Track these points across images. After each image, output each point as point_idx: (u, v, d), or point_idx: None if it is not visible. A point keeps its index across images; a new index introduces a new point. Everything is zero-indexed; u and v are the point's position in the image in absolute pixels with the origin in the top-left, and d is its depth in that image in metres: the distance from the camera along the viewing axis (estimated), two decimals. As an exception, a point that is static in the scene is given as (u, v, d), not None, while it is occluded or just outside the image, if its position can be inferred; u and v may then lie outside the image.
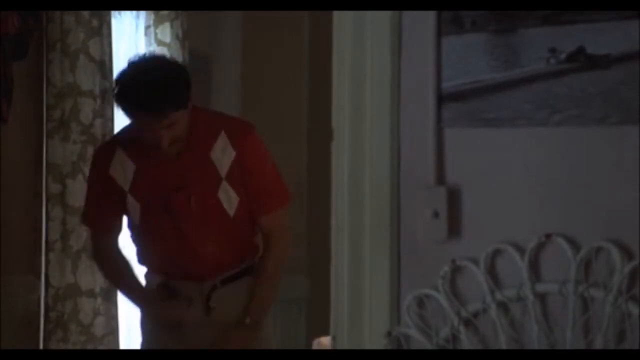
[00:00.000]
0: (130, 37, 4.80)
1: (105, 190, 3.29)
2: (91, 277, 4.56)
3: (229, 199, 3.23)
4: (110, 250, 3.39)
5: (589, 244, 2.84)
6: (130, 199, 3.25)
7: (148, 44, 4.74)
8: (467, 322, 2.99)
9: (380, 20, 3.11)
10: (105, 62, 4.58)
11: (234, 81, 4.78)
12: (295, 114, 4.75)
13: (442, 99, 3.04)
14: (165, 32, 4.68)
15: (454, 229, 3.02)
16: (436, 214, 3.02)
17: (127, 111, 3.20)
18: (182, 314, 3.24)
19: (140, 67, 3.22)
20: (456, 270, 3.02)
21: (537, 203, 2.92)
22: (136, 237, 3.38)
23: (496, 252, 2.97)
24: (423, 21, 3.06)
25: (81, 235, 4.57)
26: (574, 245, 2.87)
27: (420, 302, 3.06)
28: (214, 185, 3.22)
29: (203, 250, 3.24)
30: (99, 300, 4.60)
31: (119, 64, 4.74)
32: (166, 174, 3.24)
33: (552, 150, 2.91)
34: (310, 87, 4.72)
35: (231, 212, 3.26)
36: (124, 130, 3.52)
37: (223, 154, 3.22)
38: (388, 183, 3.10)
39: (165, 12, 4.73)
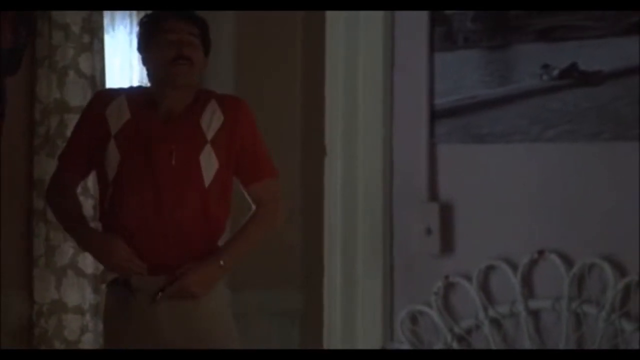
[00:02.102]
0: (124, 53, 4.78)
1: (93, 131, 3.21)
2: (77, 293, 4.52)
3: (209, 164, 3.13)
4: (73, 188, 3.35)
5: (582, 260, 2.84)
6: (112, 146, 3.16)
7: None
8: (460, 339, 2.99)
9: (373, 36, 3.11)
10: (96, 78, 4.56)
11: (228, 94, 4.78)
12: (289, 129, 4.74)
13: (435, 114, 3.05)
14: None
15: (447, 245, 3.02)
16: (429, 230, 3.02)
17: (156, 23, 3.17)
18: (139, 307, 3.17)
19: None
20: (449, 286, 3.01)
21: (530, 219, 2.93)
22: (106, 197, 3.22)
23: (489, 268, 2.97)
24: (416, 37, 3.07)
25: (66, 252, 4.55)
26: (567, 261, 2.87)
27: (414, 318, 3.06)
28: (198, 146, 3.13)
29: (176, 214, 3.18)
30: (87, 316, 4.57)
31: (112, 80, 4.73)
32: (154, 131, 3.15)
33: (546, 165, 2.92)
34: (303, 103, 4.72)
35: (207, 180, 3.14)
36: (132, 87, 3.53)
37: (211, 119, 3.15)
38: (381, 199, 3.10)
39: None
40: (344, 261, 3.14)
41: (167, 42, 3.14)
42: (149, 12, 3.35)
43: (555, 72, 2.90)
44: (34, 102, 4.47)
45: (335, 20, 3.17)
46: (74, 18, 4.42)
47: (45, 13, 4.38)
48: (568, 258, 2.87)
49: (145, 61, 3.26)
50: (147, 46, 3.20)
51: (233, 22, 4.76)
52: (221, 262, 3.10)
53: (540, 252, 2.89)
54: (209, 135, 3.12)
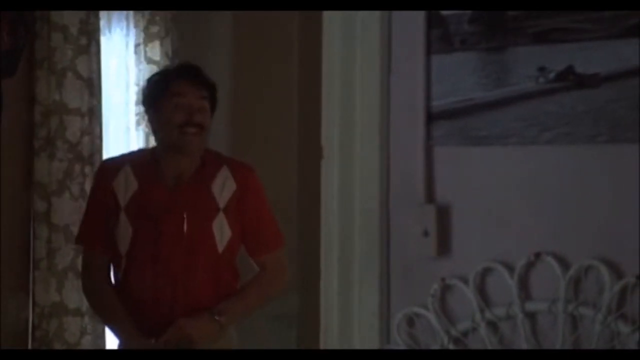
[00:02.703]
0: (120, 55, 4.79)
1: (103, 205, 3.22)
2: (77, 295, 4.54)
3: (222, 232, 3.16)
4: (104, 274, 3.32)
5: (578, 262, 2.84)
6: (123, 218, 3.17)
7: (138, 62, 4.73)
8: (457, 341, 2.99)
9: (369, 39, 3.11)
10: (93, 80, 4.57)
11: (224, 99, 4.78)
12: (286, 131, 4.75)
13: (431, 117, 3.04)
14: (155, 50, 4.68)
15: (444, 247, 3.02)
16: (426, 233, 3.02)
17: (165, 84, 3.15)
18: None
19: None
20: (446, 288, 3.01)
21: (526, 221, 2.92)
22: (120, 270, 3.25)
23: (486, 271, 2.97)
24: (412, 40, 3.07)
25: (67, 254, 4.56)
26: (564, 263, 2.87)
27: (410, 321, 3.06)
28: (211, 215, 3.16)
29: (189, 282, 3.16)
30: (86, 318, 4.57)
31: (108, 82, 4.74)
32: (165, 199, 3.17)
33: (542, 168, 2.92)
34: (300, 105, 4.72)
35: (220, 247, 3.18)
36: (135, 152, 3.53)
37: (223, 187, 3.17)
38: (378, 201, 3.10)
39: (155, 30, 4.73)
40: (340, 264, 3.14)
41: (177, 106, 3.12)
42: (156, 71, 3.37)
43: (552, 75, 2.90)
44: (34, 104, 4.48)
45: (332, 23, 3.17)
46: (71, 19, 4.44)
47: (44, 14, 4.40)
48: (564, 260, 2.87)
49: (152, 121, 3.23)
50: (155, 107, 3.18)
51: (229, 24, 4.77)
52: (216, 318, 3.13)
53: (537, 255, 2.89)
54: (221, 203, 3.14)
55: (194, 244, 3.14)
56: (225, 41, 4.80)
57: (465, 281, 2.98)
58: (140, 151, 3.63)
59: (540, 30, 2.92)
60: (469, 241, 3.00)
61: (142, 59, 4.67)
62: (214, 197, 3.15)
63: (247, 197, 3.18)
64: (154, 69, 4.58)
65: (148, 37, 4.73)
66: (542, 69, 2.92)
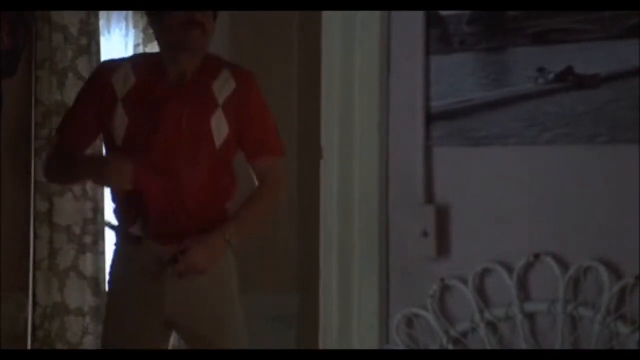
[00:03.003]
0: (120, 56, 4.79)
1: (98, 99, 3.18)
2: (79, 295, 4.54)
3: (219, 128, 3.13)
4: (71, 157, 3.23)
5: (577, 263, 2.84)
6: (119, 110, 3.16)
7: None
8: (456, 342, 2.99)
9: (369, 39, 3.11)
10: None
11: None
12: (285, 131, 4.75)
13: (431, 117, 3.05)
14: (155, 50, 4.67)
15: (443, 247, 3.02)
16: (425, 233, 3.02)
17: None
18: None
19: None
20: (445, 289, 3.01)
21: (526, 222, 2.92)
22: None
23: (485, 271, 2.97)
24: (412, 40, 3.07)
25: (68, 254, 4.56)
26: (563, 264, 2.86)
27: (409, 321, 3.05)
28: (209, 110, 3.14)
29: (186, 175, 3.10)
30: (87, 319, 4.58)
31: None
32: (164, 93, 3.15)
33: (542, 168, 2.91)
34: (299, 106, 4.72)
35: (218, 143, 3.13)
36: (136, 54, 3.55)
37: (223, 85, 3.16)
38: (377, 201, 3.10)
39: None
40: (339, 264, 3.14)
41: (181, 15, 3.09)
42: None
43: (551, 76, 2.90)
44: (36, 104, 4.48)
45: (331, 23, 3.17)
46: (71, 20, 4.43)
47: (45, 15, 4.40)
48: (564, 261, 2.87)
49: (155, 24, 3.22)
50: (159, 18, 3.16)
51: (228, 24, 4.76)
52: (226, 236, 3.10)
53: (536, 255, 2.89)
54: (220, 100, 3.11)
55: (192, 138, 3.12)
56: (224, 41, 4.80)
57: (464, 282, 2.97)
58: (141, 54, 3.63)
59: (540, 30, 2.92)
60: (468, 242, 3.00)
61: (142, 58, 4.67)
62: (213, 94, 3.15)
63: (247, 97, 3.16)
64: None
65: (147, 38, 4.73)
66: (541, 70, 2.92)
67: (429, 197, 3.04)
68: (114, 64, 3.27)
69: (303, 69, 4.64)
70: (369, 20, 3.12)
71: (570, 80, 2.87)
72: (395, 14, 3.10)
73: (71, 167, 3.24)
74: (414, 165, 3.05)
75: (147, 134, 3.11)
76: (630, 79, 2.79)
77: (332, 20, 3.17)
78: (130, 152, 3.10)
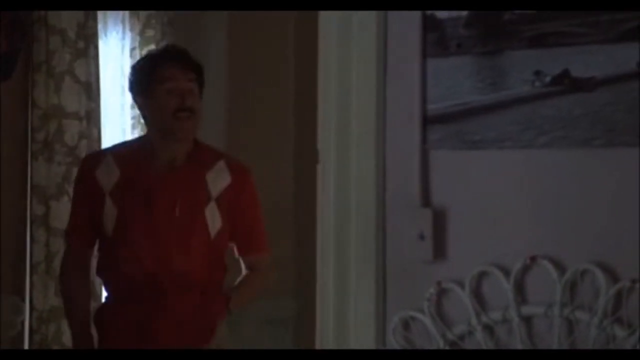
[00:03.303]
0: (116, 59, 4.78)
1: (89, 195, 3.15)
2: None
3: (213, 220, 3.09)
4: (87, 267, 3.26)
5: (574, 266, 2.84)
6: (108, 203, 3.11)
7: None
8: (453, 345, 2.98)
9: (365, 42, 3.11)
10: (91, 84, 4.56)
11: (220, 102, 4.78)
12: (282, 135, 4.74)
13: (427, 120, 3.05)
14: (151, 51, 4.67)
15: (440, 250, 3.02)
16: (422, 236, 3.02)
17: (153, 69, 3.11)
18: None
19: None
20: (442, 292, 3.01)
21: (522, 225, 2.93)
22: (105, 251, 3.17)
23: (482, 274, 2.97)
24: (409, 43, 3.07)
25: (66, 257, 4.55)
26: (560, 267, 2.87)
27: (406, 324, 3.05)
28: (203, 202, 3.08)
29: (178, 264, 3.07)
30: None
31: (105, 86, 4.74)
32: (155, 181, 3.09)
33: (538, 171, 2.92)
34: (296, 109, 4.72)
35: (213, 233, 3.09)
36: (117, 144, 3.48)
37: (218, 177, 3.10)
38: (374, 204, 3.10)
39: (150, 34, 4.72)
40: (336, 267, 3.14)
41: (167, 92, 3.07)
42: (142, 56, 3.29)
43: (548, 79, 2.90)
44: (33, 108, 4.47)
45: (328, 26, 3.17)
46: (69, 23, 4.43)
47: (42, 17, 4.39)
48: (560, 264, 2.87)
49: (142, 107, 3.17)
50: (145, 93, 3.13)
51: (225, 27, 4.76)
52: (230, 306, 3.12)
53: (533, 258, 2.89)
54: (214, 193, 3.07)
55: (185, 227, 3.07)
56: (221, 45, 4.80)
57: (461, 285, 2.97)
58: (123, 142, 3.54)
59: (536, 34, 2.93)
60: (465, 245, 3.00)
61: (139, 62, 4.67)
62: (207, 185, 3.09)
63: (242, 193, 3.12)
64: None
65: (144, 41, 4.72)
66: (538, 73, 2.92)
67: (426, 201, 3.04)
68: (96, 159, 3.21)
69: (300, 73, 4.64)
70: (366, 23, 3.12)
71: (566, 83, 2.87)
72: (392, 17, 3.10)
73: (69, 303, 3.22)
74: (411, 168, 3.05)
75: (139, 223, 3.08)
76: (626, 82, 2.79)
77: (329, 23, 3.17)
78: (121, 243, 3.09)
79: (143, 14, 4.77)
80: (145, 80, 3.13)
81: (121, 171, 3.12)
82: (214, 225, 3.08)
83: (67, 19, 4.43)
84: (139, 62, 3.27)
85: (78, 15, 4.46)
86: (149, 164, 3.11)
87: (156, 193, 3.07)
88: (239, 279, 3.23)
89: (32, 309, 4.50)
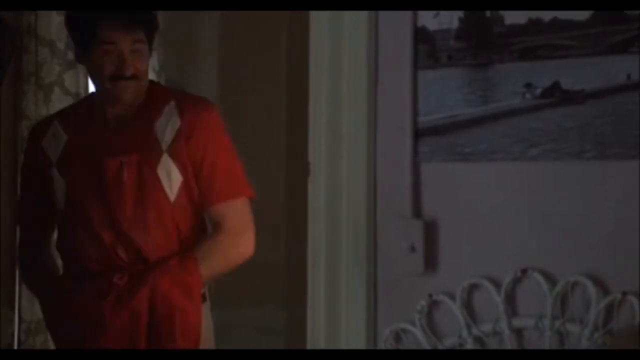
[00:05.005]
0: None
1: (37, 171, 2.78)
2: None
3: (169, 177, 2.65)
4: (47, 248, 2.83)
5: (565, 278, 2.85)
6: (55, 174, 2.73)
7: (124, 76, 4.69)
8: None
9: (356, 54, 3.12)
10: (80, 95, 4.55)
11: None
12: (273, 147, 4.74)
13: (418, 133, 3.05)
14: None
15: (431, 262, 3.02)
16: (413, 248, 3.02)
17: (92, 27, 2.63)
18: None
19: None
20: (433, 304, 3.01)
21: (513, 237, 2.93)
22: (60, 226, 2.77)
23: (472, 287, 2.97)
24: (399, 55, 3.08)
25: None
26: (550, 279, 2.87)
27: (397, 336, 3.05)
28: (154, 158, 2.65)
29: (137, 238, 2.65)
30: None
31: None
32: (101, 145, 2.69)
33: (529, 184, 2.92)
34: (287, 121, 4.72)
35: (171, 195, 2.65)
36: (70, 105, 3.09)
37: (167, 124, 2.67)
38: (365, 216, 3.10)
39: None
40: (327, 279, 3.14)
41: (105, 54, 2.65)
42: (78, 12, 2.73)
43: (538, 91, 2.91)
44: (22, 118, 4.47)
45: (319, 39, 3.17)
46: (58, 34, 4.42)
47: (31, 28, 4.39)
48: (551, 276, 2.88)
49: (82, 62, 2.77)
50: (83, 54, 2.71)
51: (216, 40, 4.76)
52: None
53: (524, 271, 2.90)
54: (165, 144, 2.68)
55: (138, 193, 2.66)
56: (212, 57, 4.80)
57: (452, 297, 2.98)
58: (73, 104, 3.10)
59: (527, 46, 2.93)
60: (456, 257, 3.00)
61: (129, 73, 4.66)
62: (156, 137, 2.67)
63: (193, 134, 2.66)
64: (141, 84, 4.57)
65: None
66: (528, 85, 2.93)
67: (417, 213, 3.05)
68: (43, 126, 2.84)
69: (291, 85, 4.65)
70: (357, 35, 3.12)
71: (557, 96, 2.88)
72: (383, 29, 3.10)
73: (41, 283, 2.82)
74: (402, 180, 3.06)
75: (90, 194, 2.69)
76: (616, 95, 2.80)
77: (319, 36, 3.17)
78: (73, 218, 2.71)
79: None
80: (81, 38, 2.70)
81: (68, 136, 2.76)
82: (172, 183, 2.66)
83: (57, 30, 4.42)
84: (73, 18, 2.75)
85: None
86: (96, 125, 2.73)
87: (104, 157, 2.68)
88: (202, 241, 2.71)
89: (20, 320, 4.49)
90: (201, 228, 2.74)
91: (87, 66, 2.75)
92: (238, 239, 2.70)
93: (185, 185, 2.68)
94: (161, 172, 2.67)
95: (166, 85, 2.94)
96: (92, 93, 2.84)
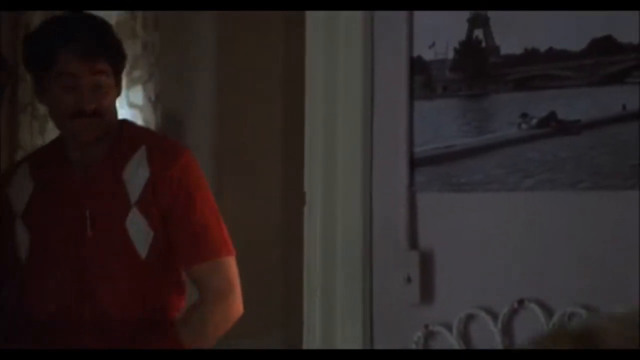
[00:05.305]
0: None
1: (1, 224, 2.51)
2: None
3: (139, 231, 2.38)
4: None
5: (561, 309, 2.83)
6: (19, 227, 2.45)
7: (120, 106, 4.69)
8: (441, 388, 2.97)
9: (352, 84, 3.12)
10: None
11: (208, 144, 4.78)
12: (269, 177, 4.75)
13: (414, 163, 3.05)
14: (138, 94, 4.67)
15: (427, 293, 3.01)
16: (409, 279, 3.01)
17: (49, 56, 2.34)
18: None
19: (64, 15, 2.47)
20: (429, 335, 3.00)
21: (509, 268, 2.92)
22: (14, 285, 2.51)
23: (469, 317, 2.96)
24: (395, 85, 3.08)
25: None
26: (547, 310, 2.86)
27: (393, 368, 3.04)
28: (122, 209, 2.40)
29: (103, 299, 2.41)
30: None
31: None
32: (67, 193, 2.44)
33: (525, 214, 2.92)
34: (283, 151, 4.73)
35: (143, 250, 2.40)
36: (43, 145, 2.87)
37: (135, 173, 2.42)
38: (360, 247, 3.09)
39: (137, 74, 4.72)
40: (323, 310, 3.12)
41: (65, 89, 2.39)
42: (36, 29, 2.51)
43: (534, 121, 2.91)
44: (17, 149, 4.46)
45: (315, 68, 3.18)
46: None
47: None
48: (548, 307, 2.87)
49: (37, 93, 2.53)
50: (37, 84, 2.47)
51: (213, 70, 4.77)
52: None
53: (520, 301, 2.89)
54: (134, 196, 2.42)
55: (104, 249, 2.42)
56: (209, 87, 4.81)
57: (448, 328, 2.96)
58: (45, 145, 2.80)
59: (522, 77, 2.94)
60: (452, 288, 2.99)
61: (124, 104, 4.66)
62: (124, 188, 2.41)
63: (162, 185, 2.40)
64: (136, 113, 4.57)
65: (130, 82, 4.72)
66: (524, 116, 2.93)
67: (413, 243, 3.04)
68: (10, 172, 2.59)
69: (287, 115, 4.66)
70: (352, 65, 3.13)
71: (553, 126, 2.88)
72: (379, 59, 3.11)
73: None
74: (398, 211, 3.05)
75: (54, 249, 2.44)
76: (612, 125, 2.80)
77: (315, 66, 3.17)
78: (32, 275, 2.46)
79: (130, 55, 4.79)
80: (37, 68, 2.44)
81: (35, 184, 2.50)
82: (142, 239, 2.40)
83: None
84: (32, 38, 2.49)
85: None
86: (62, 170, 2.49)
87: (68, 207, 2.44)
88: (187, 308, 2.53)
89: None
90: (177, 286, 2.51)
91: (47, 104, 2.49)
92: (223, 304, 2.51)
93: (157, 241, 2.44)
94: (130, 226, 2.41)
95: (140, 126, 2.67)
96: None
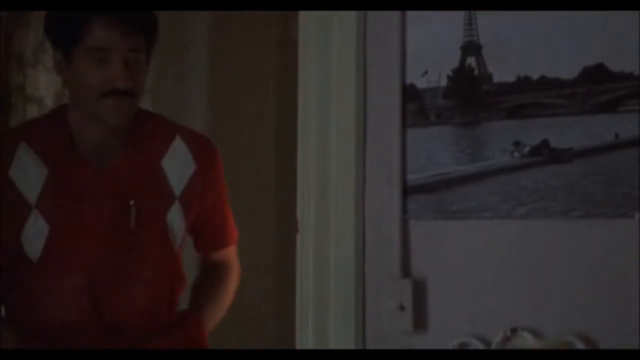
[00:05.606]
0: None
1: (5, 215, 2.19)
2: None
3: (177, 226, 2.29)
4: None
5: (554, 337, 2.83)
6: (36, 219, 2.17)
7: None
8: (433, 417, 2.96)
9: (344, 112, 3.12)
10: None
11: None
12: (262, 204, 4.75)
13: (407, 190, 3.05)
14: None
15: (420, 321, 3.00)
16: (402, 307, 3.01)
17: (82, 29, 2.08)
18: None
19: None
20: (422, 363, 2.99)
21: (502, 296, 2.92)
22: (24, 286, 2.22)
23: (462, 346, 2.95)
24: (388, 113, 3.08)
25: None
26: (540, 338, 2.85)
27: (386, 396, 3.03)
28: (164, 203, 2.26)
29: (127, 295, 2.24)
30: None
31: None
32: (90, 183, 2.18)
33: (517, 242, 2.92)
34: (276, 178, 4.73)
35: (176, 243, 2.30)
36: (31, 121, 2.53)
37: (177, 163, 2.28)
38: (353, 275, 3.09)
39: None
40: (315, 338, 3.12)
41: (98, 64, 2.15)
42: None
43: (527, 149, 2.92)
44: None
45: (308, 94, 3.18)
46: (47, 91, 4.44)
47: (19, 86, 4.41)
48: (541, 335, 2.86)
49: (62, 69, 2.24)
50: (67, 54, 2.20)
51: (205, 87, 4.78)
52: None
53: (513, 330, 2.88)
54: (178, 189, 2.31)
55: (148, 242, 2.25)
56: (202, 107, 4.82)
57: (441, 356, 2.96)
58: (39, 124, 2.42)
59: (515, 105, 2.95)
60: (445, 315, 2.98)
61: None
62: (167, 180, 2.25)
63: (210, 182, 2.36)
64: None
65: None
66: (517, 144, 2.93)
67: (406, 271, 3.03)
68: (7, 150, 2.20)
69: (279, 140, 4.67)
70: (345, 92, 3.13)
71: (545, 154, 2.89)
72: (372, 86, 3.11)
73: None
74: (391, 238, 3.05)
75: (72, 246, 2.18)
76: (604, 154, 2.81)
77: (308, 93, 3.18)
78: (51, 273, 2.20)
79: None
80: (66, 38, 2.18)
81: (50, 170, 2.22)
82: (178, 233, 2.31)
83: (45, 87, 4.44)
84: (62, 13, 2.20)
85: (56, 83, 4.49)
86: (77, 156, 2.22)
87: (102, 199, 2.19)
88: (198, 283, 2.49)
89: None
90: (183, 275, 2.47)
91: (67, 77, 2.23)
92: (235, 282, 2.69)
93: (184, 235, 2.37)
94: (170, 220, 2.29)
95: (150, 112, 2.42)
96: (61, 112, 2.30)
